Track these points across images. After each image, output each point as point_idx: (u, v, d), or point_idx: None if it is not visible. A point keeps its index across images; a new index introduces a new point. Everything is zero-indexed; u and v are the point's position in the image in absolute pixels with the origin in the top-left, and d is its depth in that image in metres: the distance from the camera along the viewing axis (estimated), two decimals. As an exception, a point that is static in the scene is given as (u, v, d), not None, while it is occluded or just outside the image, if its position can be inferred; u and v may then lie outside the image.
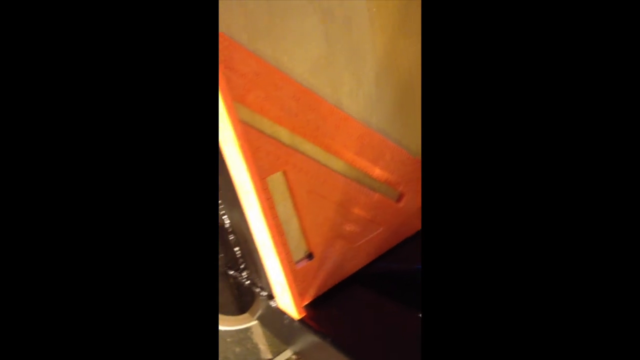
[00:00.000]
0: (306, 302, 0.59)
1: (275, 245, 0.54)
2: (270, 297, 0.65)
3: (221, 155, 0.54)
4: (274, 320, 0.68)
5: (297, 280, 0.56)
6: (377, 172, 0.62)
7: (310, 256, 0.59)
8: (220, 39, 0.47)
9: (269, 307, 0.66)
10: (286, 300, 0.58)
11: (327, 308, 0.59)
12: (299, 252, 0.58)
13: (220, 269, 0.84)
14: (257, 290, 0.69)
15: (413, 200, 0.68)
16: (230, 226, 0.69)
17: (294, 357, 1.01)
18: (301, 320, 0.58)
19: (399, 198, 0.67)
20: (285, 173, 0.55)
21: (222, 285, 0.85)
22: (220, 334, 0.92)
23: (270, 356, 0.99)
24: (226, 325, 0.89)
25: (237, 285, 0.82)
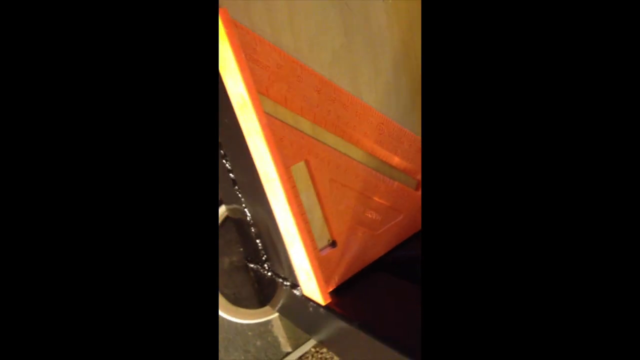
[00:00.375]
0: (331, 289, 0.60)
1: (300, 233, 0.55)
2: (294, 286, 0.66)
3: (243, 151, 0.56)
4: (297, 309, 0.69)
5: (322, 266, 0.57)
6: (396, 160, 0.64)
7: (333, 244, 0.60)
8: (244, 33, 0.49)
9: (293, 296, 0.67)
10: (312, 287, 0.59)
11: (351, 294, 0.60)
12: (322, 240, 0.60)
13: (241, 263, 0.85)
14: (280, 280, 0.71)
15: (431, 188, 0.69)
16: (251, 219, 0.70)
17: (313, 349, 1.02)
18: (327, 307, 0.59)
19: (418, 186, 0.68)
20: (307, 162, 0.56)
21: (242, 278, 0.86)
22: (241, 327, 0.93)
23: (290, 349, 1.01)
24: (247, 318, 0.90)
25: (258, 279, 0.84)
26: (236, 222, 0.78)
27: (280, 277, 0.71)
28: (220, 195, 0.77)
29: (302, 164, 0.56)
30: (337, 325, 0.58)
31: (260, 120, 0.51)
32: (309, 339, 1.02)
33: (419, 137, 0.66)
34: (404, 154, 0.64)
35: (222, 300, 0.84)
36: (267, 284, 0.79)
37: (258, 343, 0.98)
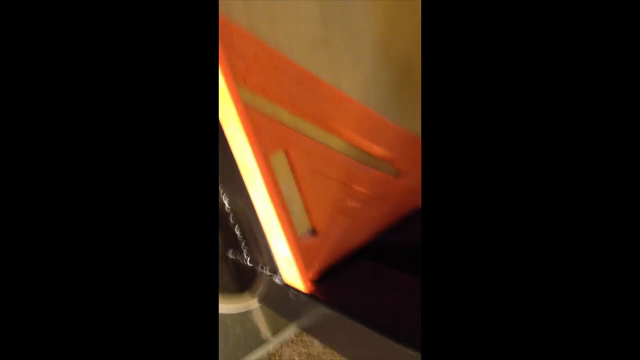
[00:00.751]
0: (312, 276, 0.61)
1: (280, 221, 0.55)
2: (274, 274, 0.67)
3: (221, 141, 0.56)
4: (278, 296, 0.70)
5: (302, 253, 0.58)
6: (375, 150, 0.64)
7: (313, 232, 0.60)
8: (222, 23, 0.48)
9: (273, 284, 0.68)
10: (292, 274, 0.60)
11: (332, 281, 0.61)
12: (303, 229, 0.60)
13: (219, 252, 0.85)
14: (260, 269, 0.71)
15: (411, 176, 0.70)
16: (230, 209, 0.70)
17: (294, 336, 1.03)
18: (307, 293, 0.60)
19: (397, 175, 0.69)
20: (286, 152, 0.56)
21: (221, 268, 0.86)
22: (221, 316, 0.93)
23: (270, 336, 1.01)
24: (227, 306, 0.90)
25: (237, 268, 0.84)
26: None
27: (259, 265, 0.71)
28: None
29: (282, 154, 0.56)
30: (319, 310, 0.59)
31: (237, 109, 0.50)
32: (289, 326, 1.03)
33: (400, 128, 0.66)
34: (384, 144, 0.65)
35: (201, 290, 0.84)
36: (246, 272, 0.80)
37: (238, 331, 0.98)
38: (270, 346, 1.02)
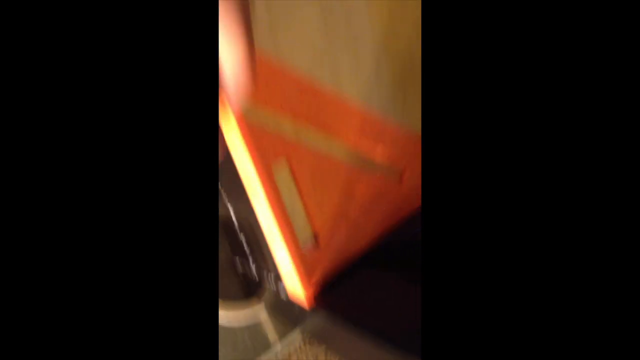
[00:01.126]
0: (314, 287, 0.60)
1: (282, 233, 0.55)
2: (279, 284, 0.66)
3: (227, 146, 0.55)
4: (282, 306, 0.69)
5: (305, 265, 0.57)
6: (378, 153, 0.63)
7: (316, 242, 0.60)
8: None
9: (277, 294, 0.67)
10: (295, 286, 0.59)
11: (335, 291, 0.60)
12: (305, 238, 0.59)
13: (227, 262, 0.85)
14: (265, 279, 0.70)
15: (414, 178, 0.69)
16: (235, 219, 0.70)
17: (301, 340, 1.03)
18: (310, 306, 0.59)
19: (401, 177, 0.68)
20: (288, 160, 0.55)
21: (229, 276, 0.86)
22: (228, 323, 0.93)
23: (278, 342, 1.01)
24: (234, 314, 0.90)
25: (244, 277, 0.84)
26: (222, 221, 0.77)
27: (265, 276, 0.71)
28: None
29: (283, 161, 0.55)
30: (322, 321, 0.58)
31: (238, 122, 0.49)
32: (296, 330, 1.03)
33: (403, 128, 0.65)
34: (387, 146, 0.64)
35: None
36: (253, 282, 0.79)
37: (246, 336, 0.98)
38: (279, 350, 1.02)
